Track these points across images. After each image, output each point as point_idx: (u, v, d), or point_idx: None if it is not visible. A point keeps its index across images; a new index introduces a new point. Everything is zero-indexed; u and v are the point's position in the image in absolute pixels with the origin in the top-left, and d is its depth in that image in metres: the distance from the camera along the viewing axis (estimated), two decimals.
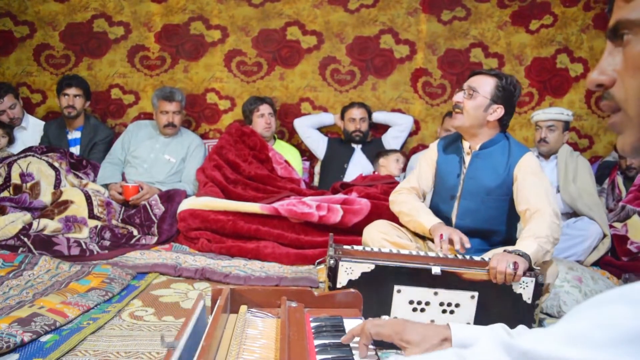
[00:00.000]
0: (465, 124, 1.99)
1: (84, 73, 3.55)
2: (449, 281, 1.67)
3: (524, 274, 1.64)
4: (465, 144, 2.07)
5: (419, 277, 1.66)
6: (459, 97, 2.00)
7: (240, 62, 3.67)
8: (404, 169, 3.56)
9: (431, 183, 2.17)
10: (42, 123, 3.49)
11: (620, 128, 0.61)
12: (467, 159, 2.05)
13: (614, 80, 0.60)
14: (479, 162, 2.02)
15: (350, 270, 1.66)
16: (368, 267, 1.66)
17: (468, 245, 1.84)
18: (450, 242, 1.86)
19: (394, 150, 3.39)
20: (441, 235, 1.88)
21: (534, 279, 1.65)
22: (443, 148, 2.15)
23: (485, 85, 1.98)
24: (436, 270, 1.65)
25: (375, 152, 3.42)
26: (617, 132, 0.62)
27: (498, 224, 2.04)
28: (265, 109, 3.35)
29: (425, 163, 2.18)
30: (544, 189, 1.88)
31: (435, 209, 2.13)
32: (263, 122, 3.32)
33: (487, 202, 2.01)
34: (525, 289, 1.65)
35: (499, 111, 1.99)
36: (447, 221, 2.09)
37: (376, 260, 1.69)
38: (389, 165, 3.27)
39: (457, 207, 2.05)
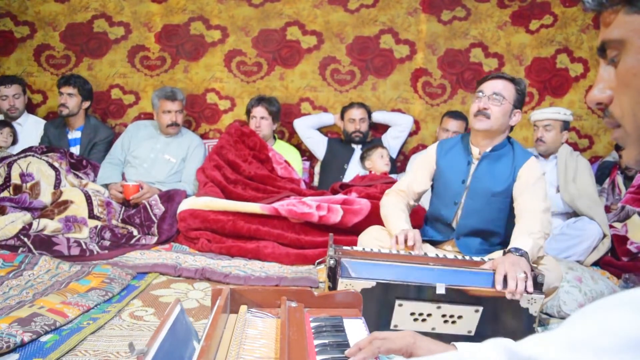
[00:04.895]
0: (492, 129, 1.99)
1: (84, 73, 3.55)
2: (454, 297, 1.63)
3: (533, 290, 1.61)
4: (475, 150, 2.06)
5: (422, 292, 1.63)
6: (484, 102, 1.97)
7: (240, 62, 3.68)
8: (403, 168, 3.56)
9: (425, 186, 2.16)
10: (43, 122, 3.49)
11: (622, 143, 0.62)
12: (476, 163, 2.05)
13: (612, 98, 0.62)
14: (487, 165, 2.03)
15: (350, 287, 1.63)
16: (369, 284, 1.63)
17: (416, 251, 1.85)
18: (405, 240, 1.88)
19: (373, 148, 3.34)
20: (397, 237, 1.90)
21: (542, 296, 1.62)
22: (445, 153, 2.13)
23: (509, 91, 1.98)
24: (441, 290, 1.61)
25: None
26: (622, 146, 0.63)
27: (500, 226, 2.05)
28: (257, 112, 3.34)
29: (422, 167, 2.17)
30: (539, 189, 1.92)
31: (437, 213, 2.13)
32: (253, 124, 3.33)
33: (492, 203, 2.01)
34: (532, 304, 1.62)
35: (517, 116, 2.03)
36: (447, 227, 2.09)
37: (377, 278, 1.64)
38: (375, 164, 3.26)
39: (461, 209, 2.05)
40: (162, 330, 0.78)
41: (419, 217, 2.42)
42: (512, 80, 2.00)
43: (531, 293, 1.59)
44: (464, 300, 1.63)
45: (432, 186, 2.20)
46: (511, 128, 2.07)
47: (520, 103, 2.02)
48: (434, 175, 2.16)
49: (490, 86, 1.99)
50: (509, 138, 2.08)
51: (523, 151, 2.06)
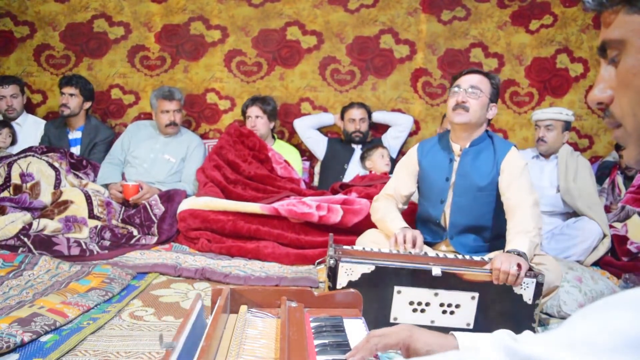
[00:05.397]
0: (471, 122, 2.01)
1: (84, 73, 3.55)
2: (450, 282, 1.66)
3: (525, 275, 1.65)
4: (456, 146, 2.08)
5: (419, 278, 1.66)
6: (462, 96, 2.00)
7: (240, 62, 3.68)
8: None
9: (411, 188, 2.18)
10: (43, 122, 3.49)
11: (623, 142, 0.62)
12: (458, 160, 2.07)
13: (612, 98, 0.62)
14: (469, 160, 2.05)
15: (350, 272, 1.65)
16: (368, 268, 1.66)
17: (417, 250, 1.87)
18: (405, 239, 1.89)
19: (373, 148, 3.34)
20: (396, 237, 1.91)
21: (534, 280, 1.65)
22: (426, 153, 2.16)
23: (485, 84, 2.02)
24: (437, 271, 1.64)
25: None
26: (622, 145, 0.64)
27: (490, 219, 2.06)
28: (252, 111, 3.34)
29: (405, 170, 2.19)
30: (525, 181, 1.94)
31: (426, 214, 2.15)
32: (249, 124, 3.34)
33: (479, 198, 2.03)
34: (526, 290, 1.65)
35: (494, 109, 2.07)
36: (438, 226, 2.10)
37: (376, 262, 1.68)
38: (376, 164, 3.27)
39: (449, 206, 2.07)
40: (187, 325, 0.80)
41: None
42: (486, 74, 2.05)
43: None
44: (459, 286, 1.65)
45: (418, 188, 2.21)
46: (488, 122, 2.10)
47: (495, 97, 2.06)
48: (418, 177, 2.18)
49: (467, 80, 2.02)
50: (487, 131, 2.11)
51: (503, 143, 2.08)
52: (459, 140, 2.08)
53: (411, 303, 1.67)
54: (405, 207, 2.22)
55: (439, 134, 2.21)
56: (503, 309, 1.67)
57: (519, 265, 1.62)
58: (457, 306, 1.67)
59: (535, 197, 1.90)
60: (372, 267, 1.66)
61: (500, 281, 1.63)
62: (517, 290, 1.65)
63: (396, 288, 1.66)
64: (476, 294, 1.66)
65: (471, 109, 1.99)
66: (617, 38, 0.60)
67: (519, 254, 1.69)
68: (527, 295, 1.65)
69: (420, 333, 0.89)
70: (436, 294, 1.66)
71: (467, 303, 1.67)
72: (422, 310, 1.67)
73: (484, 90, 2.00)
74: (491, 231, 2.07)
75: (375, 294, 1.65)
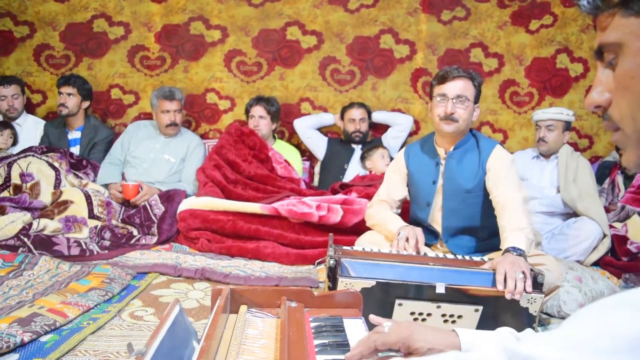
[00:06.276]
0: (459, 130, 2.00)
1: (84, 73, 3.55)
2: (453, 296, 1.62)
3: (532, 290, 1.60)
4: (440, 150, 2.08)
5: (421, 292, 1.63)
6: (451, 107, 1.97)
7: (240, 62, 3.68)
8: None
9: (403, 192, 2.18)
10: (43, 122, 3.49)
11: (622, 145, 0.62)
12: (444, 163, 2.07)
13: (610, 101, 0.61)
14: (455, 163, 2.04)
15: (350, 286, 1.63)
16: (369, 283, 1.63)
17: (418, 250, 1.87)
18: (408, 240, 1.89)
19: (373, 148, 3.35)
20: (399, 232, 1.91)
21: (542, 295, 1.61)
22: (412, 157, 2.15)
23: (469, 90, 1.99)
24: (440, 289, 1.61)
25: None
26: (621, 148, 0.63)
27: (482, 220, 2.05)
28: (256, 111, 3.35)
29: (394, 175, 2.19)
30: (513, 178, 1.93)
31: (414, 216, 2.16)
32: (252, 124, 3.34)
33: (468, 199, 2.03)
34: (532, 304, 1.62)
35: (477, 111, 2.05)
36: (426, 229, 2.10)
37: (377, 276, 1.64)
38: (376, 164, 3.27)
39: (440, 210, 2.06)
40: (161, 331, 0.78)
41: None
42: (469, 77, 2.00)
43: (530, 292, 1.59)
44: (463, 299, 1.63)
45: (408, 191, 2.21)
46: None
47: (478, 98, 2.03)
48: (407, 181, 2.17)
49: (453, 88, 1.97)
50: (471, 130, 2.09)
51: (487, 142, 2.06)
52: (443, 144, 2.07)
53: (412, 313, 1.65)
54: (399, 211, 2.22)
55: (423, 138, 2.20)
56: (506, 320, 1.64)
57: (524, 273, 1.59)
58: (460, 317, 1.65)
59: (524, 193, 1.88)
60: (373, 283, 1.63)
61: (508, 288, 1.56)
62: (523, 303, 1.62)
63: (397, 301, 1.63)
64: (480, 307, 1.63)
65: (460, 119, 1.98)
66: (614, 41, 0.59)
67: (520, 254, 1.67)
68: (533, 309, 1.62)
69: (420, 331, 0.87)
70: (439, 307, 1.63)
71: (470, 315, 1.64)
72: (423, 320, 1.65)
73: (470, 96, 1.98)
74: (485, 230, 2.06)
75: (375, 305, 1.61)
